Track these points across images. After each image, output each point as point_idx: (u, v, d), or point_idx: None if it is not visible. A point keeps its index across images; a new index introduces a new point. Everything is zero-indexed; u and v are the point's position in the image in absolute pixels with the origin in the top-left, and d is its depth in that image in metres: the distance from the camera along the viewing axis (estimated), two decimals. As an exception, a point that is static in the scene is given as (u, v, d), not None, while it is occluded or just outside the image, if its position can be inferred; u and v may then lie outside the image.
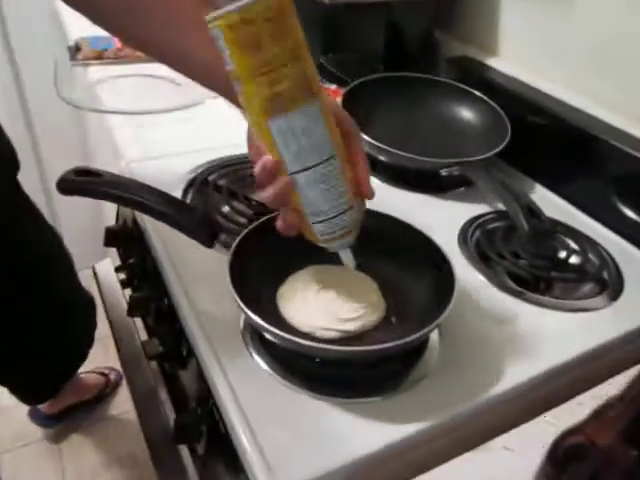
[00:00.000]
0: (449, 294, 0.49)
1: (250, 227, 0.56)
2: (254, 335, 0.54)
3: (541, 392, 0.54)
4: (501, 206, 0.77)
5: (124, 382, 1.50)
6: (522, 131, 0.81)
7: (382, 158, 0.80)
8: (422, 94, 0.90)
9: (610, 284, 0.64)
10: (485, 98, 0.86)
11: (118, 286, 0.83)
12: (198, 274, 0.61)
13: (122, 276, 0.80)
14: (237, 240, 0.53)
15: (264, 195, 0.45)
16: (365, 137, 0.76)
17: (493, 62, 0.96)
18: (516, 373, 0.53)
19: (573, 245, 0.68)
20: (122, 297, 0.88)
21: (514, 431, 0.47)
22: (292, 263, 0.57)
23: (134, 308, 0.64)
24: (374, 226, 0.58)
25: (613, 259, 0.68)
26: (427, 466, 0.45)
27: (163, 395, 0.68)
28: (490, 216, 0.73)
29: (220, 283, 0.53)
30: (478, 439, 0.49)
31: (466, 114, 0.88)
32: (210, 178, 0.76)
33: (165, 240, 0.65)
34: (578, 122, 0.78)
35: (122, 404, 1.49)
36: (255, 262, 0.55)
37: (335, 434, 0.46)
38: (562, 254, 0.67)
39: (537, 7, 0.88)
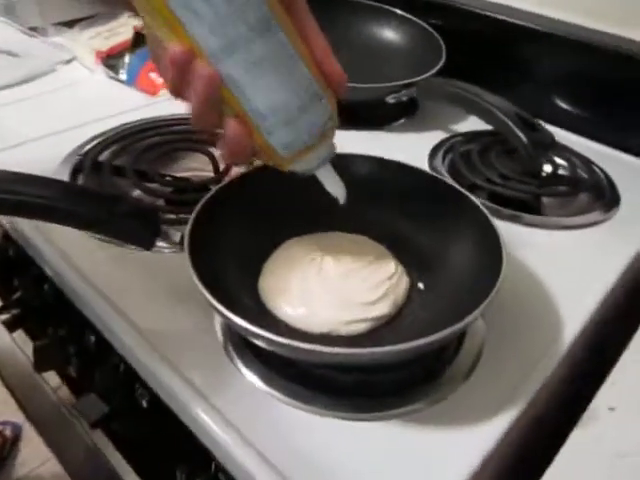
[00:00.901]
0: (492, 249, 0.37)
1: (200, 204, 0.39)
2: (241, 347, 0.38)
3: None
4: (458, 128, 0.67)
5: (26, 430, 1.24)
6: (454, 42, 0.70)
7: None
8: (332, 18, 0.75)
9: (607, 192, 0.57)
10: (407, 15, 0.74)
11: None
12: (131, 285, 0.43)
13: (5, 316, 0.58)
14: (190, 223, 0.37)
15: (190, 110, 0.30)
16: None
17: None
18: (571, 319, 0.43)
19: (555, 158, 0.60)
20: (9, 337, 0.65)
21: (606, 386, 0.38)
22: (266, 240, 0.42)
23: (44, 362, 0.45)
24: (358, 172, 0.45)
25: (597, 165, 0.61)
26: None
27: (110, 453, 0.50)
28: (454, 140, 0.63)
29: (169, 287, 0.38)
30: (557, 411, 0.39)
31: (389, 35, 0.76)
32: (102, 158, 0.57)
33: (63, 250, 0.46)
34: (515, 19, 0.69)
35: (31, 459, 1.22)
36: (219, 248, 0.39)
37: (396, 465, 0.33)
38: (547, 168, 0.59)
39: None
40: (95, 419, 0.39)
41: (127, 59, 0.76)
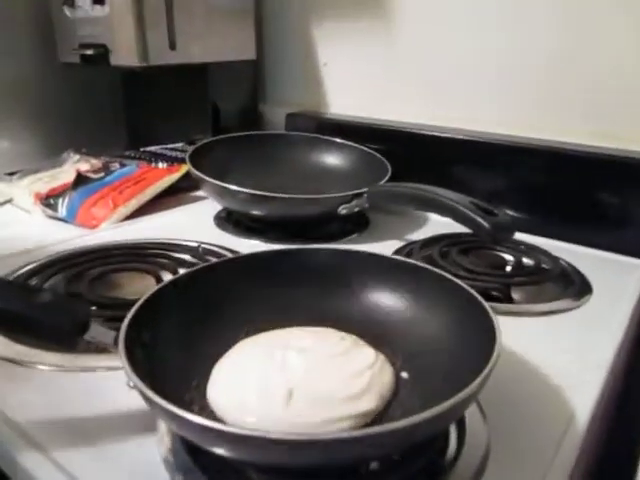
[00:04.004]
0: (480, 325, 0.32)
1: (140, 301, 0.33)
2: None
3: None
4: (412, 237, 0.66)
5: None
6: (397, 164, 0.73)
7: (256, 213, 0.64)
8: (271, 152, 0.77)
9: (576, 280, 0.55)
10: (346, 142, 0.78)
11: None
12: (36, 410, 0.35)
13: None
14: (127, 320, 0.31)
15: None
16: (237, 187, 0.60)
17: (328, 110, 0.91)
18: (578, 401, 0.37)
19: (513, 251, 0.59)
20: None
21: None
22: (216, 344, 0.36)
23: None
24: (319, 263, 0.41)
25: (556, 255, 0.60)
26: None
27: None
28: (411, 247, 0.61)
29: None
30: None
31: (332, 160, 0.78)
32: (32, 283, 0.50)
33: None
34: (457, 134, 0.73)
35: None
36: (159, 351, 0.33)
37: None
38: (510, 259, 0.57)
39: (354, 50, 0.86)
40: None
41: (67, 197, 0.73)
